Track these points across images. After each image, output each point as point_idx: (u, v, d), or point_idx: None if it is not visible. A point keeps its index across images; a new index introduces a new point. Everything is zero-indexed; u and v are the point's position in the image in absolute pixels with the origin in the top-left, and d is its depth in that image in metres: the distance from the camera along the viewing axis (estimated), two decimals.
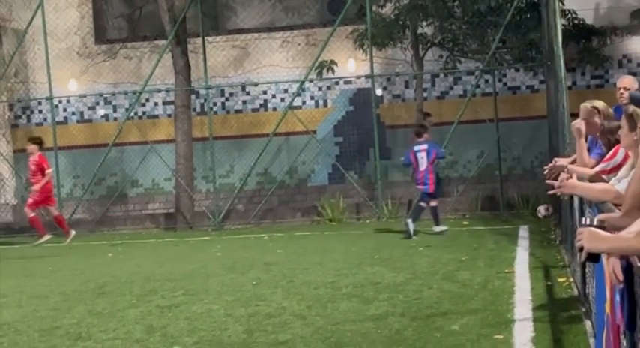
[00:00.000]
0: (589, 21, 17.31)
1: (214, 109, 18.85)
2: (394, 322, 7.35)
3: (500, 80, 18.06)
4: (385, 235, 14.35)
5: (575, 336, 6.50)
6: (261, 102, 19.24)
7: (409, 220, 13.54)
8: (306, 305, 8.34)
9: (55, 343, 7.35)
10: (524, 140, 17.80)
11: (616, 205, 4.89)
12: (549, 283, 8.90)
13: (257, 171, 18.52)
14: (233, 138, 19.01)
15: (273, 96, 19.18)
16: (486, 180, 17.64)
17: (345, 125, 18.91)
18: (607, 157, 6.61)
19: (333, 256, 11.85)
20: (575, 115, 8.07)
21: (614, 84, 10.44)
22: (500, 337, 6.67)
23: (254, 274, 10.53)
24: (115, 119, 19.47)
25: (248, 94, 19.27)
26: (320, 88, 18.94)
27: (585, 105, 7.63)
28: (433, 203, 13.84)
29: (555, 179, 7.08)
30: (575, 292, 8.07)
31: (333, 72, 17.40)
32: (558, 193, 6.93)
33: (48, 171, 15.75)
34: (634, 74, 13.06)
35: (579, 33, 16.93)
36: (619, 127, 5.63)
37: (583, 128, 7.47)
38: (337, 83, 18.86)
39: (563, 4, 15.59)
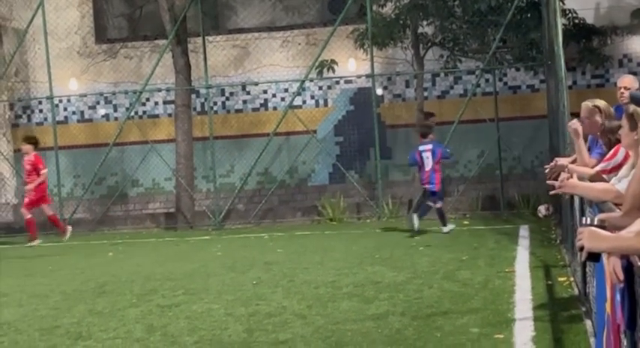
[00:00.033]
0: (589, 20, 17.30)
1: (215, 108, 18.84)
2: (395, 322, 7.35)
3: (500, 80, 18.05)
4: (386, 234, 14.35)
5: (575, 335, 6.50)
6: (262, 101, 19.22)
7: (414, 215, 13.54)
8: (306, 305, 8.34)
9: (55, 342, 7.35)
10: (524, 140, 17.79)
11: (616, 205, 4.89)
12: (550, 282, 8.90)
13: (257, 170, 18.51)
14: (233, 137, 19.00)
15: (274, 95, 19.16)
16: (487, 179, 17.64)
17: (345, 125, 18.90)
18: (607, 156, 6.61)
19: (333, 256, 11.85)
20: (575, 115, 8.07)
21: (615, 83, 10.44)
22: (501, 336, 6.67)
23: (254, 274, 10.53)
24: (116, 119, 19.45)
25: (248, 93, 19.26)
26: (320, 88, 18.92)
27: (587, 104, 7.63)
28: (438, 205, 13.83)
29: (556, 179, 7.07)
30: (576, 291, 8.06)
31: (334, 71, 17.37)
32: (560, 193, 6.93)
33: (43, 171, 15.67)
34: (634, 74, 13.01)
35: (580, 32, 16.91)
36: (620, 127, 5.62)
37: (579, 128, 7.47)
38: (338, 83, 18.85)
39: (563, 4, 15.56)
